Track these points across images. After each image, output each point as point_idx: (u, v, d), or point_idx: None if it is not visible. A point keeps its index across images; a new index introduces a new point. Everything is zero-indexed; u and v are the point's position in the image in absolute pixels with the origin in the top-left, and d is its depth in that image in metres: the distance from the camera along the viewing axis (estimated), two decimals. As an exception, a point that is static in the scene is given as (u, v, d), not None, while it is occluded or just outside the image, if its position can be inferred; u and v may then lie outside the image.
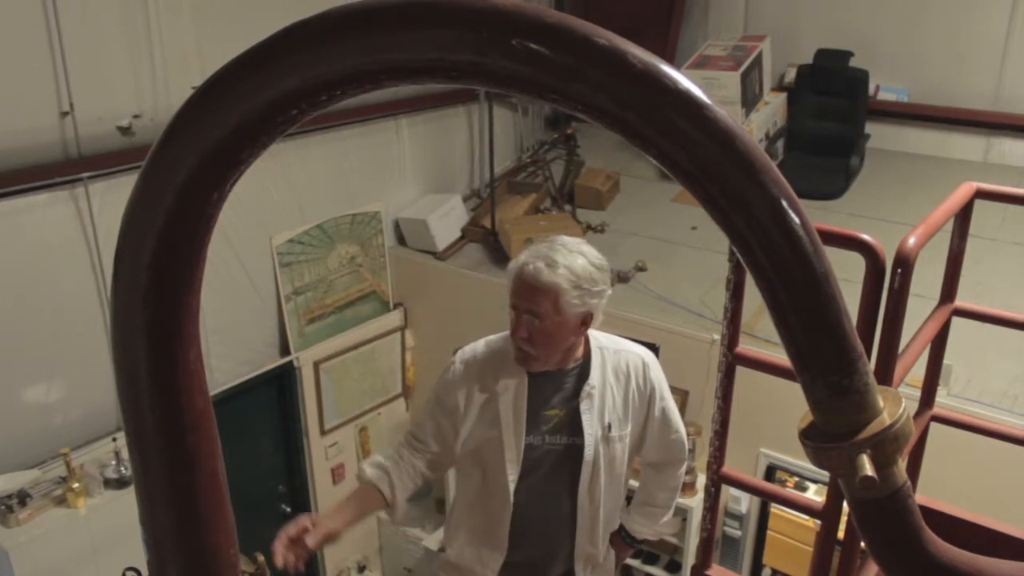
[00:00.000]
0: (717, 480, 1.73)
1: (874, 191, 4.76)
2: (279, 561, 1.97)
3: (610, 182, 5.19)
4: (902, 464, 0.61)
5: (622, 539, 2.49)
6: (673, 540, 4.16)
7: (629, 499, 2.53)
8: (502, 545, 2.29)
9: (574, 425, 2.23)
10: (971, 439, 2.04)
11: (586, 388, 2.22)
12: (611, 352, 2.28)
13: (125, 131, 3.67)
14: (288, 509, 4.82)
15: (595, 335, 2.28)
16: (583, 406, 2.22)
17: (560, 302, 2.07)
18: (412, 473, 2.28)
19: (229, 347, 4.22)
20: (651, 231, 4.79)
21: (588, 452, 2.22)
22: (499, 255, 4.77)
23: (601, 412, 2.23)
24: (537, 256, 2.10)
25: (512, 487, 2.22)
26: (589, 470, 2.23)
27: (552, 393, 2.24)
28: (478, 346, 2.31)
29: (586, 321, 2.15)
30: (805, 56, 5.15)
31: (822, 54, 5.07)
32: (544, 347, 2.14)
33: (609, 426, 2.24)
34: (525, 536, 2.29)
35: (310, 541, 2.01)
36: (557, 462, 2.25)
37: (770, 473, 3.86)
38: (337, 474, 4.92)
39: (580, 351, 2.25)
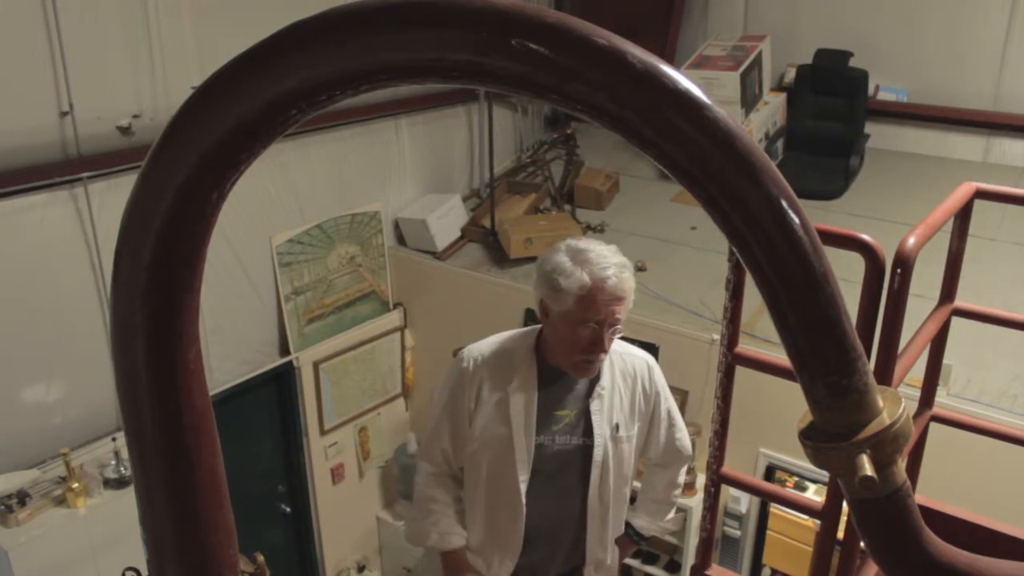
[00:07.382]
0: (717, 480, 1.73)
1: (874, 191, 4.76)
2: None
3: (610, 182, 5.18)
4: (902, 464, 0.61)
5: (628, 536, 2.49)
6: (673, 540, 4.15)
7: (633, 499, 2.53)
8: (515, 548, 2.28)
9: (585, 425, 2.23)
10: (971, 439, 2.04)
11: (598, 389, 2.22)
12: (618, 355, 2.29)
13: (125, 131, 3.66)
14: (288, 509, 4.82)
15: None
16: (593, 406, 2.22)
17: (629, 302, 2.11)
18: (457, 507, 2.35)
19: (229, 347, 4.22)
20: (650, 231, 4.78)
21: (598, 452, 2.22)
22: (499, 255, 4.77)
23: (609, 413, 2.24)
24: (607, 264, 2.08)
25: (523, 487, 2.22)
26: (599, 470, 2.24)
27: (563, 393, 2.24)
28: (484, 345, 2.29)
29: None
30: (805, 56, 5.15)
31: (822, 54, 5.07)
32: (606, 351, 2.15)
33: (617, 426, 2.24)
34: (534, 538, 2.28)
35: None
36: (567, 462, 2.25)
37: (770, 473, 3.86)
38: (336, 474, 4.92)
39: None
